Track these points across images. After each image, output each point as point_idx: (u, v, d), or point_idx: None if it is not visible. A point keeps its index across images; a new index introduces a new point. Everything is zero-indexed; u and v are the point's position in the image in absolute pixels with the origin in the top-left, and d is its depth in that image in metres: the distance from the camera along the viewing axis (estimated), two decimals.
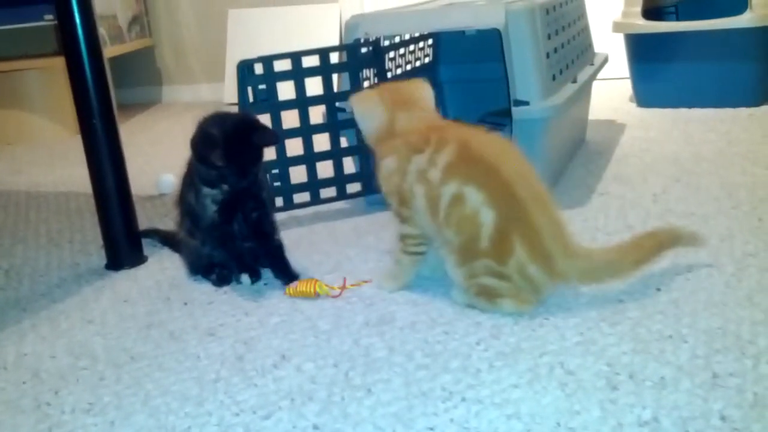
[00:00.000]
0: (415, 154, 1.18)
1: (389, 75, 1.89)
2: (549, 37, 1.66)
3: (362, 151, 1.71)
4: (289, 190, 1.69)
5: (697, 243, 1.23)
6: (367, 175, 1.72)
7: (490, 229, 1.10)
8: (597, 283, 1.15)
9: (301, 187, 1.70)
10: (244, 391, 1.00)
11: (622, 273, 1.15)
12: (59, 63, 2.80)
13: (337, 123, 1.69)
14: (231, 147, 1.26)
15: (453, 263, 1.16)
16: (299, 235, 1.60)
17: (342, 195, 1.73)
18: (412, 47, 2.12)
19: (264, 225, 1.36)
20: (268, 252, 1.36)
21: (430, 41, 2.25)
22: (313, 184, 1.69)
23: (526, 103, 1.54)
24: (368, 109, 1.27)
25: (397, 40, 1.98)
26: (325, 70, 1.66)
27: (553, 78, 1.64)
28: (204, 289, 1.37)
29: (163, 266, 1.50)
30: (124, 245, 1.52)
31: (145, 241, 1.58)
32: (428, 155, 1.16)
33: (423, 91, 1.28)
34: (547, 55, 1.62)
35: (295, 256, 1.43)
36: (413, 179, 1.18)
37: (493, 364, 1.01)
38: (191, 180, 1.35)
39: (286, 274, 1.33)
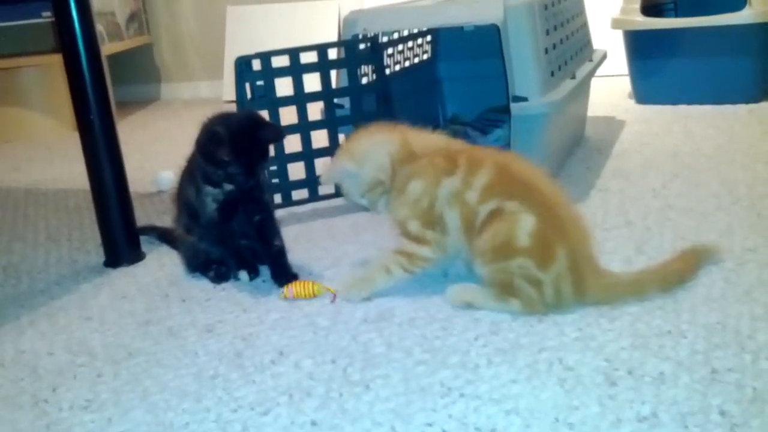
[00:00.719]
0: (446, 177, 1.16)
1: (388, 71, 1.89)
2: (547, 33, 1.65)
3: None
4: (287, 186, 1.69)
5: (719, 253, 1.24)
6: None
7: (529, 229, 1.09)
8: (622, 301, 1.13)
9: (299, 184, 1.70)
10: (243, 388, 1.00)
11: (643, 295, 1.13)
12: (57, 60, 2.79)
13: (336, 119, 1.69)
14: (237, 143, 1.26)
15: (481, 262, 1.14)
16: (298, 232, 1.60)
17: (340, 192, 1.72)
18: (410, 44, 2.11)
19: (266, 229, 1.36)
20: (268, 255, 1.35)
21: (428, 38, 2.25)
22: (312, 181, 1.69)
23: (525, 99, 1.54)
24: (368, 151, 1.23)
25: (395, 36, 1.98)
26: (323, 66, 1.66)
27: (552, 74, 1.63)
28: (202, 285, 1.36)
29: (162, 263, 1.50)
30: (122, 242, 1.52)
31: (143, 238, 1.58)
32: (461, 177, 1.15)
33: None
34: (546, 51, 1.61)
35: (294, 253, 1.43)
36: (445, 203, 1.17)
37: (492, 359, 1.01)
38: (191, 176, 1.35)
39: (283, 275, 1.32)
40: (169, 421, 0.95)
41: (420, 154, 1.21)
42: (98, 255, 1.56)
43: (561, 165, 1.88)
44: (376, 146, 1.23)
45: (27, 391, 1.05)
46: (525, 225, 1.09)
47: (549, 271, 1.09)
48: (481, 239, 1.13)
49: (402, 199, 1.21)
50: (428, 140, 1.24)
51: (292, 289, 1.27)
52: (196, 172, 1.34)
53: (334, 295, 1.24)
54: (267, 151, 1.32)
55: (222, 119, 1.30)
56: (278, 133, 1.33)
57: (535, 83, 1.55)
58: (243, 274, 1.36)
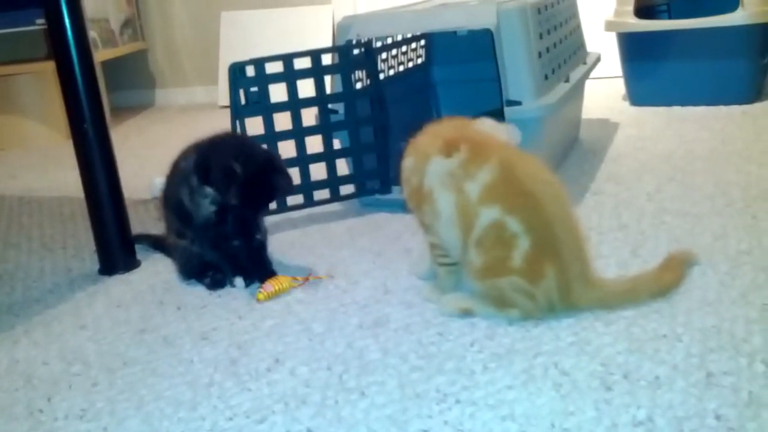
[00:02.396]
0: (438, 155, 1.14)
1: (382, 76, 1.89)
2: (541, 36, 1.65)
3: (355, 153, 1.71)
4: None
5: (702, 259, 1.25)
6: (360, 177, 1.72)
7: (523, 252, 1.08)
8: (613, 309, 1.12)
9: (294, 190, 1.70)
10: (238, 396, 1.00)
11: (635, 303, 1.13)
12: (51, 67, 2.79)
13: (330, 125, 1.69)
14: (249, 189, 1.27)
15: (473, 277, 1.13)
16: (293, 238, 1.60)
17: (336, 197, 1.73)
18: (404, 48, 2.11)
19: (250, 225, 1.36)
20: (249, 249, 1.36)
21: (422, 42, 2.25)
22: (307, 186, 1.69)
23: (519, 103, 1.54)
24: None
25: (389, 41, 1.98)
26: (317, 71, 1.66)
27: (546, 77, 1.64)
28: (197, 293, 1.36)
29: (157, 270, 1.50)
30: (117, 250, 1.52)
31: (138, 246, 1.58)
32: (460, 162, 1.12)
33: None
34: (539, 55, 1.62)
35: (289, 259, 1.43)
36: (436, 180, 1.14)
37: (488, 365, 1.01)
38: (183, 179, 1.34)
39: (262, 269, 1.33)
40: (165, 429, 0.94)
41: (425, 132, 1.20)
42: (93, 263, 1.56)
43: (556, 168, 1.88)
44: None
45: (22, 401, 1.05)
46: (521, 248, 1.08)
47: (539, 286, 1.09)
48: (476, 257, 1.11)
49: (401, 178, 1.22)
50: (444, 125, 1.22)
51: (269, 286, 1.28)
52: (192, 174, 1.33)
53: (305, 280, 1.32)
54: (274, 196, 1.34)
55: (241, 153, 1.29)
56: (291, 186, 1.35)
57: (529, 87, 1.55)
58: (239, 281, 1.36)
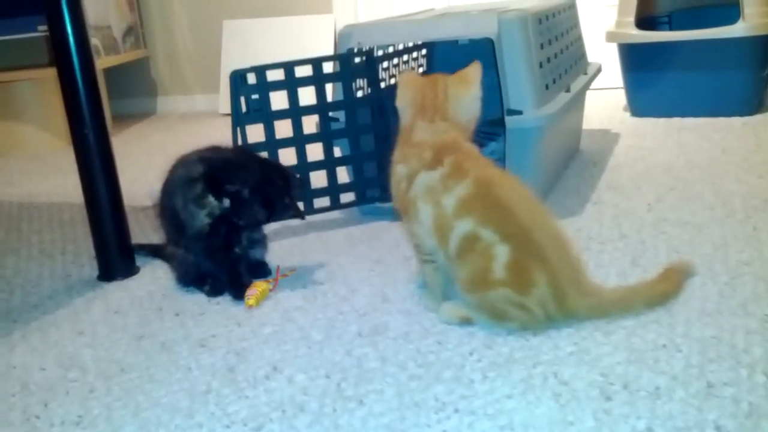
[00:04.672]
0: (424, 170, 1.16)
1: (383, 85, 1.89)
2: (542, 46, 1.66)
3: (356, 161, 1.71)
4: None
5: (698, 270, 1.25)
6: (360, 185, 1.72)
7: (504, 260, 1.08)
8: (610, 317, 1.12)
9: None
10: (236, 403, 0.99)
11: (631, 311, 1.13)
12: (52, 74, 2.79)
13: (331, 132, 1.69)
14: (257, 212, 1.31)
15: (462, 290, 1.13)
16: (292, 245, 1.60)
17: (336, 205, 1.72)
18: (405, 57, 2.12)
19: (235, 238, 1.36)
20: (229, 261, 1.36)
21: (423, 51, 2.25)
22: (307, 194, 1.69)
23: (520, 113, 1.54)
24: (400, 100, 1.24)
25: (390, 50, 1.98)
26: (318, 79, 1.66)
27: (547, 87, 1.64)
28: (196, 299, 1.36)
29: (156, 277, 1.49)
30: (116, 256, 1.51)
31: (137, 253, 1.57)
32: (440, 176, 1.13)
33: (459, 93, 1.21)
34: (540, 65, 1.62)
35: (287, 266, 1.43)
36: (419, 192, 1.16)
37: (487, 374, 1.00)
38: (179, 187, 1.34)
39: (235, 283, 1.34)
40: None
41: (414, 144, 1.20)
42: (92, 269, 1.56)
43: (556, 178, 1.88)
44: (403, 103, 1.25)
45: (18, 406, 1.04)
46: (500, 257, 1.08)
47: (531, 296, 1.08)
48: (459, 269, 1.12)
49: (392, 177, 1.23)
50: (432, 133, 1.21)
51: (253, 290, 1.30)
52: (194, 184, 1.32)
53: (275, 282, 1.34)
54: (275, 215, 1.35)
55: (257, 177, 1.30)
56: (299, 215, 1.38)
57: (530, 96, 1.55)
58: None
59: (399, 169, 1.21)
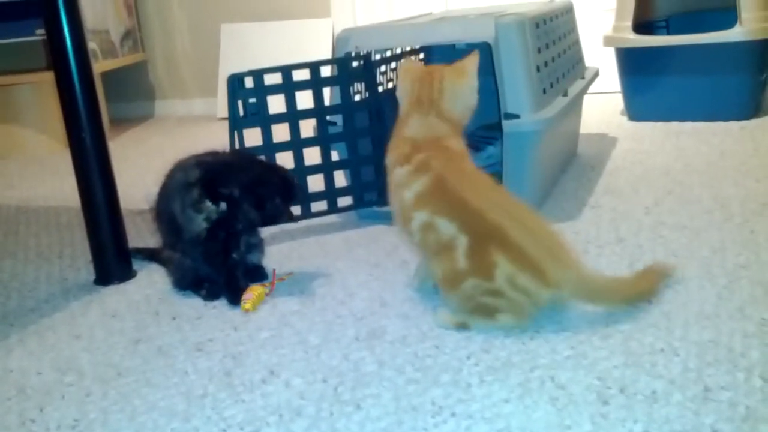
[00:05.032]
0: (398, 166, 1.21)
1: (380, 89, 1.89)
2: (539, 50, 1.66)
3: (353, 165, 1.71)
4: None
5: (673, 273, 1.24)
6: (358, 189, 1.72)
7: (463, 249, 1.10)
8: (592, 301, 1.13)
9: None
10: (232, 407, 0.99)
11: (616, 298, 1.14)
12: (50, 77, 2.79)
13: (328, 136, 1.69)
14: (246, 209, 1.32)
15: (443, 291, 1.16)
16: (290, 249, 1.59)
17: (333, 209, 1.72)
18: (403, 61, 2.12)
19: (232, 243, 1.36)
20: (226, 266, 1.36)
21: (421, 55, 2.25)
22: (305, 198, 1.69)
23: (517, 117, 1.54)
24: (400, 89, 1.27)
25: (388, 54, 1.98)
26: (315, 83, 1.66)
27: (544, 91, 1.64)
28: (193, 303, 1.36)
29: (152, 280, 1.49)
30: (113, 260, 1.51)
31: (134, 257, 1.57)
32: (406, 173, 1.19)
33: (455, 84, 1.22)
34: (538, 69, 1.62)
35: (285, 270, 1.43)
36: (393, 185, 1.23)
37: (484, 378, 1.00)
38: (177, 191, 1.34)
39: (231, 288, 1.34)
40: None
41: (404, 137, 1.24)
42: (89, 272, 1.55)
43: (554, 182, 1.88)
44: (401, 93, 1.29)
45: (14, 410, 1.04)
46: (460, 247, 1.10)
47: (497, 278, 1.08)
48: (435, 271, 1.16)
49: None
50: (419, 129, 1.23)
51: (249, 294, 1.30)
52: (191, 188, 1.32)
53: (272, 286, 1.35)
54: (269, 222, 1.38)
55: (250, 178, 1.32)
56: (291, 219, 1.41)
57: (527, 101, 1.55)
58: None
59: (387, 160, 1.26)
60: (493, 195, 1.16)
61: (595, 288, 1.13)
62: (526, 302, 1.10)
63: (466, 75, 1.23)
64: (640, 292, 1.16)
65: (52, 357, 1.20)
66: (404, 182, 1.19)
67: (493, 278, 1.09)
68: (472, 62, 1.23)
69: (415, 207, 1.17)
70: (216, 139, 1.38)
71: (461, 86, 1.22)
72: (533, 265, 1.08)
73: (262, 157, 1.54)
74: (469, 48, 1.96)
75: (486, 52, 1.58)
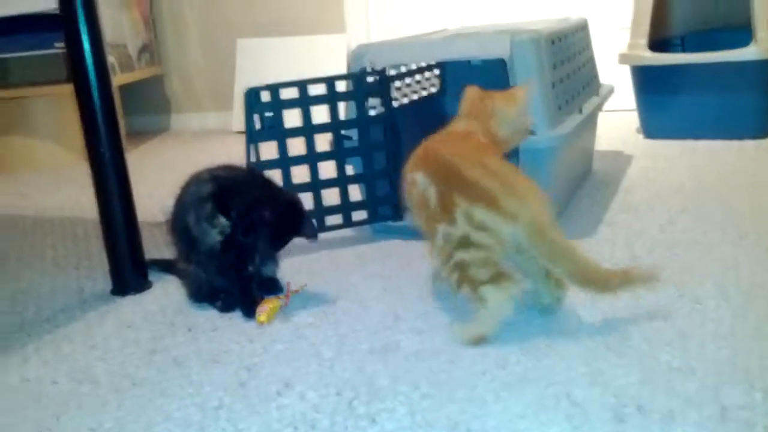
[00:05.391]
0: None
1: (396, 104, 1.90)
2: (554, 67, 1.67)
3: (368, 179, 1.72)
4: None
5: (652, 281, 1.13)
6: (373, 203, 1.72)
7: (434, 198, 1.18)
8: (548, 254, 1.10)
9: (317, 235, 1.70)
10: (247, 419, 0.99)
11: (572, 263, 1.11)
12: (69, 90, 2.83)
13: (343, 150, 1.70)
14: (274, 233, 1.37)
15: (437, 265, 1.22)
16: (303, 263, 1.60)
17: (348, 223, 1.73)
18: (418, 77, 2.13)
19: (247, 257, 1.36)
20: (240, 279, 1.37)
21: (436, 71, 2.27)
22: (319, 212, 1.70)
23: (533, 133, 1.54)
24: (461, 108, 1.38)
25: (403, 69, 1.99)
26: (331, 98, 1.67)
27: (559, 108, 1.64)
28: (208, 314, 1.36)
29: (168, 292, 1.50)
30: (129, 271, 1.52)
31: (150, 269, 1.58)
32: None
33: (503, 109, 1.33)
34: (553, 85, 1.62)
35: (298, 282, 1.43)
36: None
37: (499, 394, 1.00)
38: (192, 204, 1.35)
39: (246, 301, 1.35)
40: None
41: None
42: (105, 283, 1.56)
43: (569, 199, 1.88)
44: None
45: (30, 419, 1.05)
46: (433, 198, 1.18)
47: (457, 219, 1.12)
48: (423, 230, 1.24)
49: None
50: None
51: (264, 307, 1.31)
52: (205, 202, 1.34)
53: (287, 299, 1.35)
54: (289, 241, 1.42)
55: (269, 196, 1.36)
56: (315, 233, 1.44)
57: (543, 117, 1.55)
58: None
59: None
60: (476, 154, 1.22)
61: (553, 240, 1.10)
62: (492, 244, 1.10)
63: (515, 102, 1.33)
64: (604, 277, 1.11)
65: (68, 366, 1.20)
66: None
67: (455, 221, 1.12)
68: (522, 91, 1.34)
69: (410, 170, 1.26)
70: (231, 152, 1.39)
71: (508, 112, 1.32)
72: (486, 195, 1.11)
73: (277, 171, 1.55)
74: (484, 64, 1.98)
75: (501, 68, 1.59)
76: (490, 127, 1.31)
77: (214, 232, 1.32)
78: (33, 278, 1.68)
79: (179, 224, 1.39)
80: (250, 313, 1.32)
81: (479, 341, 1.14)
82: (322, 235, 1.72)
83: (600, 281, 1.11)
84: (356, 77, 1.70)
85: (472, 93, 1.37)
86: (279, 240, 1.40)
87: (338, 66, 3.34)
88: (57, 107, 3.08)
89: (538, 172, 1.57)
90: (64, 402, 1.09)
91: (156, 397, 1.08)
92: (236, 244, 1.33)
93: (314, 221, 1.44)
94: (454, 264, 1.14)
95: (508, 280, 1.12)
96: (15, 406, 1.09)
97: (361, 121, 1.70)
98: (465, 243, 1.12)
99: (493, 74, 1.86)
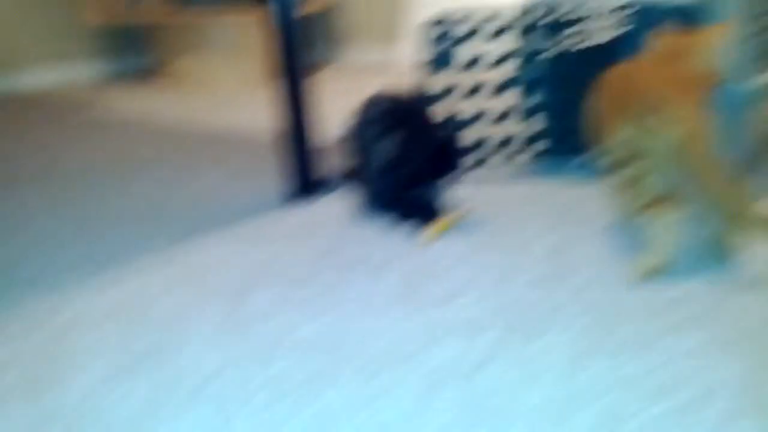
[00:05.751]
0: None
1: (569, 43, 1.84)
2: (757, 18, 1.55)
3: (549, 109, 1.70)
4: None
5: None
6: (549, 138, 1.71)
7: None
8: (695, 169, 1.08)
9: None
10: (412, 319, 1.05)
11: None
12: (254, 15, 2.98)
13: (517, 85, 1.69)
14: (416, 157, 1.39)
15: (623, 199, 1.21)
16: (466, 194, 1.57)
17: (515, 157, 1.72)
18: (601, 19, 2.04)
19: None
20: (416, 195, 1.42)
21: (624, 12, 2.16)
22: (486, 146, 1.70)
23: (727, 80, 1.46)
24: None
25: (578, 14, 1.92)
26: (503, 31, 1.66)
27: (757, 59, 1.54)
28: (379, 225, 1.43)
29: (340, 203, 1.57)
30: (304, 181, 1.63)
31: (324, 180, 1.67)
32: None
33: (702, 47, 1.28)
34: (753, 35, 1.52)
35: (462, 211, 1.45)
36: None
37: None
38: (369, 123, 1.43)
39: (426, 213, 1.39)
40: None
41: None
42: (281, 191, 1.66)
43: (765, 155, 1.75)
44: None
45: (217, 301, 1.17)
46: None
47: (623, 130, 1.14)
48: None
49: None
50: None
51: (435, 224, 1.36)
52: (379, 122, 1.40)
53: (454, 223, 1.38)
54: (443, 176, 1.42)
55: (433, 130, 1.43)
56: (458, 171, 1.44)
57: (740, 64, 1.47)
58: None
59: None
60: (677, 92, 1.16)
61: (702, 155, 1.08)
62: (658, 149, 1.09)
63: (714, 41, 1.27)
64: (750, 215, 1.08)
65: (239, 262, 1.31)
66: None
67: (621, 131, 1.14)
68: (722, 31, 1.28)
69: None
70: (402, 84, 1.43)
71: (707, 50, 1.26)
72: (654, 108, 1.09)
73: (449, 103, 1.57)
74: (673, 9, 1.86)
75: (693, 13, 1.51)
76: (685, 65, 1.25)
77: (383, 151, 1.39)
78: (216, 183, 1.81)
79: (355, 141, 1.47)
80: (420, 227, 1.37)
81: (654, 273, 1.13)
82: (485, 171, 1.72)
83: (744, 218, 1.08)
84: (528, 11, 1.67)
85: (666, 31, 1.33)
86: (435, 171, 1.42)
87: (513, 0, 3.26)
88: (243, 32, 3.23)
89: (734, 119, 1.49)
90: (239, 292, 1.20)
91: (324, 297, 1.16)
92: (399, 166, 1.39)
93: (463, 160, 1.46)
94: (638, 193, 1.13)
95: (672, 203, 1.10)
96: (202, 282, 1.22)
97: (529, 54, 1.67)
98: (636, 155, 1.12)
99: (685, 18, 1.76)
